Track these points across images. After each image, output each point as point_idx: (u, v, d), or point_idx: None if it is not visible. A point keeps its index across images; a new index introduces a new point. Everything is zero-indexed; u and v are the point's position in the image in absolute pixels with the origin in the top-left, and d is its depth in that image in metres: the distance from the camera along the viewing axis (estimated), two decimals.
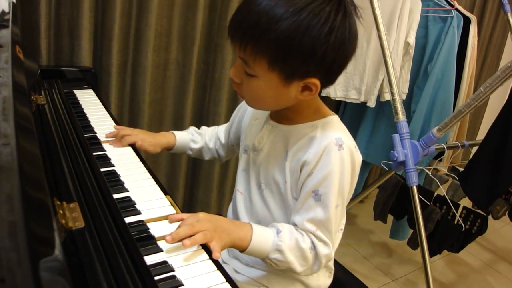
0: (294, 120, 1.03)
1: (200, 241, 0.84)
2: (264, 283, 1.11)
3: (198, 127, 1.37)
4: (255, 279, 1.12)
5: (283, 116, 1.05)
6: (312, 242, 0.97)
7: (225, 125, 1.35)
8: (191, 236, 0.84)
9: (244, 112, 1.23)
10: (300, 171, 0.98)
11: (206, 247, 0.86)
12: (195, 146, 1.32)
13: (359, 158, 1.00)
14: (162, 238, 0.84)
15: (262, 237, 0.95)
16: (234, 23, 0.90)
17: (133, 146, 1.23)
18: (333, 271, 1.18)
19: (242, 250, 0.95)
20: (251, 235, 0.94)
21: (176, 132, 1.32)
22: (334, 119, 1.02)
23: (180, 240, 0.83)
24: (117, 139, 1.22)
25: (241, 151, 1.17)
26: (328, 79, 0.94)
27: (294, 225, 0.99)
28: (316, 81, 0.90)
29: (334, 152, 0.94)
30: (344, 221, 1.07)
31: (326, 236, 0.97)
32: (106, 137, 1.25)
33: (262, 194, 1.09)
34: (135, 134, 1.24)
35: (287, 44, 0.84)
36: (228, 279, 0.80)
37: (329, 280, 1.17)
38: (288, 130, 1.03)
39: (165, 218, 0.92)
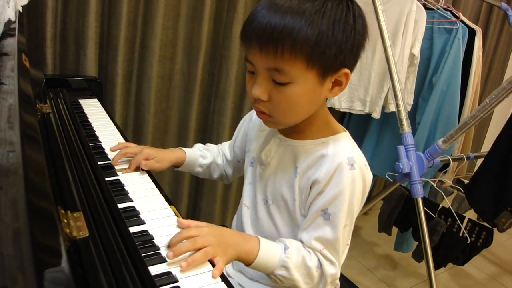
0: (304, 135, 1.01)
1: (199, 260, 0.82)
2: None
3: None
4: None
5: (292, 129, 1.02)
6: (319, 261, 0.95)
7: (228, 142, 1.32)
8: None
9: (250, 123, 1.20)
10: (310, 189, 0.97)
11: (212, 263, 0.85)
12: (205, 161, 1.28)
13: (369, 176, 0.98)
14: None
15: (269, 253, 0.94)
16: (262, 32, 0.86)
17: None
18: (338, 286, 1.16)
19: (248, 264, 0.94)
20: (258, 250, 0.93)
21: (184, 148, 1.28)
22: (345, 136, 1.01)
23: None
24: (120, 155, 1.17)
25: (246, 163, 1.15)
26: (354, 67, 0.95)
27: (301, 242, 0.98)
28: (348, 71, 0.91)
29: (346, 172, 0.92)
30: (350, 235, 1.06)
31: (333, 255, 0.96)
32: (111, 150, 1.20)
33: (269, 209, 1.07)
34: (139, 150, 1.18)
35: (322, 37, 0.84)
36: None
37: None
38: (297, 145, 1.01)
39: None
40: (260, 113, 0.96)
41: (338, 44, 0.86)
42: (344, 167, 0.92)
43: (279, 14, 0.84)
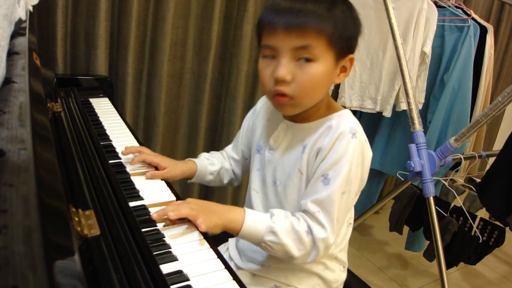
0: (310, 118, 1.06)
1: (184, 213, 0.90)
2: (282, 281, 1.12)
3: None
4: (273, 278, 1.13)
5: (298, 115, 1.06)
6: (309, 226, 0.97)
7: (230, 146, 1.34)
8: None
9: (254, 115, 1.25)
10: (316, 158, 1.01)
11: (223, 260, 0.85)
12: (214, 168, 1.28)
13: (369, 151, 1.03)
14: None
15: (256, 221, 0.97)
16: (289, 14, 0.92)
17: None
18: (346, 266, 1.19)
19: (236, 233, 0.97)
20: (244, 218, 0.97)
21: (192, 159, 1.28)
22: (348, 112, 1.06)
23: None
24: (137, 161, 1.17)
25: (253, 151, 1.19)
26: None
27: (301, 209, 1.01)
28: (353, 57, 1.02)
29: (347, 139, 0.97)
30: (352, 215, 1.13)
31: (326, 219, 0.97)
32: (124, 153, 1.17)
33: (277, 190, 1.10)
34: (153, 155, 1.19)
35: (339, 22, 0.94)
36: None
37: (344, 275, 1.18)
38: (304, 127, 1.06)
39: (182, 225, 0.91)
40: (280, 97, 0.98)
41: (349, 31, 0.97)
42: (346, 135, 0.97)
43: (300, 1, 0.92)
